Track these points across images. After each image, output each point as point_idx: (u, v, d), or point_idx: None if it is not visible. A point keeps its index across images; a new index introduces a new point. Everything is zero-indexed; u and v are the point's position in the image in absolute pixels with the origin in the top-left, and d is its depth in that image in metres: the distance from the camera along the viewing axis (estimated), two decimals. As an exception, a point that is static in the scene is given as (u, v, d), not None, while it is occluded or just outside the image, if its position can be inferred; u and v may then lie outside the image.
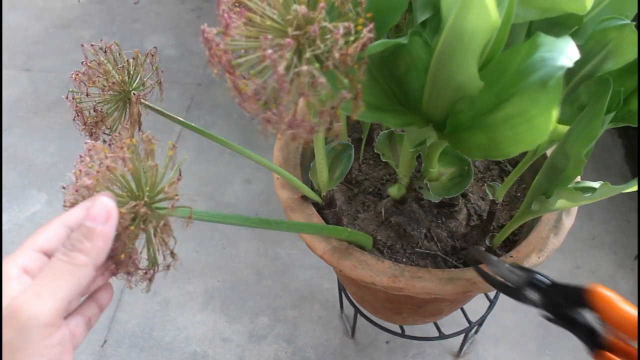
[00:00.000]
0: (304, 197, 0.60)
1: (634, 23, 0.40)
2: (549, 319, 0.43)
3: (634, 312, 0.36)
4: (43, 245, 0.33)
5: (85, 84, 0.47)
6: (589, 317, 0.40)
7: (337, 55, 0.31)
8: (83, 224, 0.31)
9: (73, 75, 0.46)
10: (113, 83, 0.46)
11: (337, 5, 0.32)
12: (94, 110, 0.47)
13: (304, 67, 0.31)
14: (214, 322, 1.00)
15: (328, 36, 0.31)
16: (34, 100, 1.39)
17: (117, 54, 0.48)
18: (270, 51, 0.30)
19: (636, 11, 0.44)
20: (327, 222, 0.60)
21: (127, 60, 0.48)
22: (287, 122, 0.33)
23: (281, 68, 0.31)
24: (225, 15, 0.32)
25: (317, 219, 0.59)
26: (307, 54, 0.32)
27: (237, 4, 0.33)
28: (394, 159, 0.63)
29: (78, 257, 0.31)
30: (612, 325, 0.37)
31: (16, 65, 1.48)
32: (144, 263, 0.36)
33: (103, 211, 0.31)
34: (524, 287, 0.44)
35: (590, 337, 0.40)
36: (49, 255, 0.33)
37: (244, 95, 0.33)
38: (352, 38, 0.32)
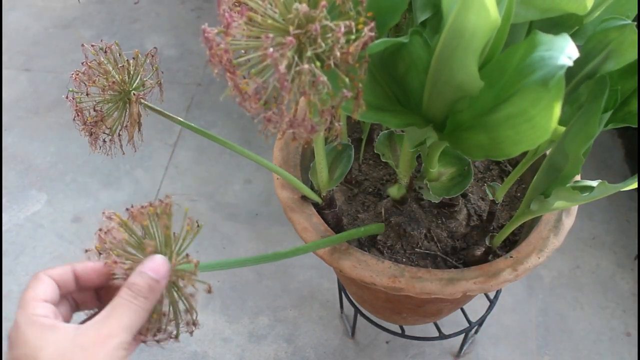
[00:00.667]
0: (304, 197, 0.60)
1: (635, 23, 0.40)
2: None
3: None
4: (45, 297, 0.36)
5: (85, 84, 0.47)
6: None
7: (338, 54, 0.31)
8: (145, 275, 0.35)
9: (73, 75, 0.46)
10: (113, 83, 0.46)
11: (338, 4, 0.32)
12: (94, 110, 0.47)
13: (305, 66, 0.31)
14: (214, 322, 1.00)
15: (329, 35, 0.31)
16: (34, 100, 1.39)
17: (117, 54, 0.48)
18: (271, 50, 0.30)
19: (636, 12, 0.44)
20: (327, 222, 0.60)
21: (127, 60, 0.48)
22: (288, 121, 0.33)
23: (282, 67, 0.31)
24: (226, 14, 0.32)
25: (317, 219, 0.59)
26: (309, 53, 0.32)
27: (237, 4, 0.33)
28: (394, 159, 0.64)
29: (141, 301, 0.35)
30: None
31: (16, 65, 1.48)
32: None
33: (164, 268, 0.36)
34: None
35: None
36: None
37: (244, 95, 0.33)
38: (353, 37, 0.32)
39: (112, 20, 1.60)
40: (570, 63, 0.30)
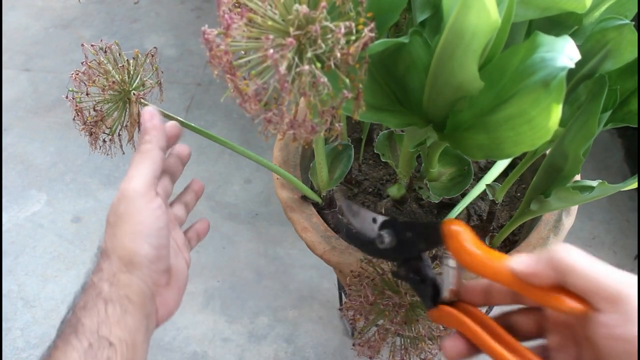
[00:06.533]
0: (304, 197, 0.60)
1: (633, 23, 0.40)
2: (398, 276, 0.41)
3: (477, 250, 0.35)
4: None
5: (85, 84, 0.47)
6: (446, 272, 0.38)
7: (338, 54, 0.31)
8: (142, 127, 0.42)
9: (73, 75, 0.47)
10: (113, 82, 0.47)
11: (338, 4, 0.32)
12: (94, 110, 0.47)
13: (306, 67, 0.31)
14: (214, 322, 1.00)
15: (329, 36, 0.31)
16: (33, 100, 1.39)
17: (117, 54, 0.48)
18: (271, 51, 0.30)
19: (635, 11, 0.44)
20: (327, 222, 0.60)
21: (127, 60, 0.48)
22: (288, 122, 0.33)
23: (283, 68, 0.31)
24: (226, 16, 0.32)
25: (317, 219, 0.59)
26: (309, 54, 0.32)
27: (237, 5, 0.33)
28: (394, 159, 0.64)
29: (145, 146, 0.41)
30: (460, 262, 0.36)
31: (16, 65, 1.48)
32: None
33: (148, 114, 0.42)
34: (380, 233, 0.40)
35: (433, 295, 0.39)
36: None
37: (244, 96, 0.33)
38: (353, 37, 0.32)
39: (112, 20, 1.60)
40: (571, 65, 0.30)
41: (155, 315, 0.41)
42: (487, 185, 0.62)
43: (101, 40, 0.48)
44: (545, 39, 0.33)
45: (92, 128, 0.48)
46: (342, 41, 0.31)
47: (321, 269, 1.06)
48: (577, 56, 0.30)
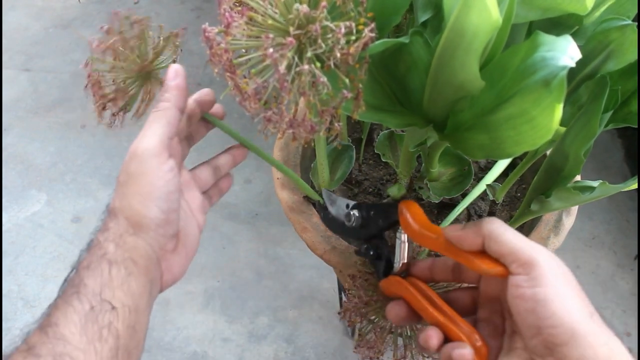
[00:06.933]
0: (306, 198, 0.60)
1: (635, 23, 0.40)
2: (360, 253, 0.47)
3: (421, 224, 0.41)
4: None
5: (107, 55, 0.43)
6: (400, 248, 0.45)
7: (338, 54, 0.31)
8: (164, 85, 0.41)
9: (96, 43, 0.43)
10: (138, 57, 0.43)
11: (339, 4, 0.32)
12: (113, 83, 0.44)
13: (305, 67, 0.31)
14: (213, 322, 1.00)
15: (329, 35, 0.31)
16: (33, 100, 1.39)
17: (144, 30, 0.45)
18: (271, 50, 0.30)
19: (635, 12, 0.44)
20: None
21: (158, 37, 0.45)
22: (288, 121, 0.33)
23: (282, 67, 0.31)
24: (227, 14, 0.32)
25: (317, 219, 0.59)
26: (309, 54, 0.31)
27: (238, 4, 0.33)
28: (394, 159, 0.63)
29: (162, 104, 0.40)
30: (408, 234, 0.42)
31: (16, 65, 1.48)
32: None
33: (173, 72, 0.41)
34: (348, 212, 0.48)
35: (385, 268, 0.45)
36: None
37: (244, 95, 0.33)
38: (353, 37, 0.32)
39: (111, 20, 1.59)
40: (572, 64, 0.30)
41: (159, 280, 0.41)
42: (487, 185, 0.62)
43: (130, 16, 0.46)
44: (546, 39, 0.33)
45: (107, 102, 0.45)
46: (342, 41, 0.31)
47: (321, 269, 1.06)
48: (578, 55, 0.30)
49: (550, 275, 0.34)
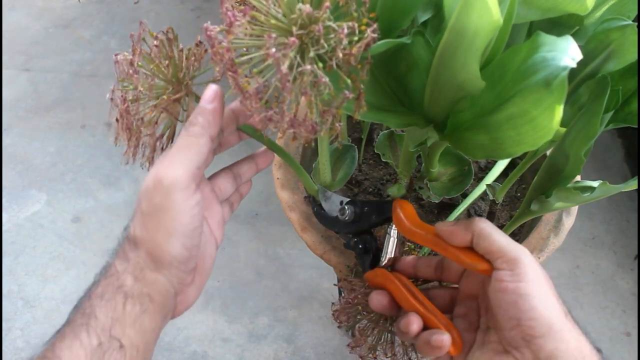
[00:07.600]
0: (307, 198, 0.60)
1: (636, 24, 0.40)
2: (348, 246, 0.49)
3: (413, 221, 0.44)
4: None
5: (137, 74, 0.37)
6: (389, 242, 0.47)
7: (340, 55, 0.31)
8: (198, 106, 0.37)
9: (120, 59, 0.36)
10: (170, 74, 0.38)
11: (342, 4, 0.32)
12: (147, 109, 0.38)
13: (307, 67, 0.31)
14: (213, 322, 1.00)
15: (332, 36, 0.31)
16: (34, 100, 1.39)
17: (173, 45, 0.39)
18: (274, 50, 0.30)
19: (636, 12, 0.44)
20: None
21: (189, 49, 0.39)
22: (289, 121, 0.33)
23: (284, 67, 0.31)
24: (229, 13, 0.32)
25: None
26: (311, 54, 0.32)
27: (239, 3, 0.33)
28: (395, 159, 0.64)
29: (194, 129, 0.37)
30: (399, 230, 0.45)
31: (16, 65, 1.48)
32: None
33: (211, 93, 0.37)
34: (343, 207, 0.49)
35: (372, 261, 0.47)
36: None
37: (245, 94, 0.33)
38: (356, 38, 0.32)
39: (112, 20, 1.59)
40: (573, 64, 0.30)
41: (172, 311, 0.40)
42: (487, 185, 0.62)
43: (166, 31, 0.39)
44: (547, 39, 0.33)
45: (139, 135, 0.39)
46: (345, 41, 0.31)
47: (321, 269, 1.06)
48: (579, 56, 0.30)
49: (532, 274, 0.36)
